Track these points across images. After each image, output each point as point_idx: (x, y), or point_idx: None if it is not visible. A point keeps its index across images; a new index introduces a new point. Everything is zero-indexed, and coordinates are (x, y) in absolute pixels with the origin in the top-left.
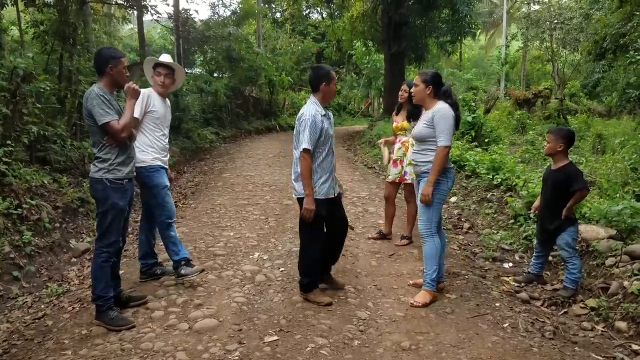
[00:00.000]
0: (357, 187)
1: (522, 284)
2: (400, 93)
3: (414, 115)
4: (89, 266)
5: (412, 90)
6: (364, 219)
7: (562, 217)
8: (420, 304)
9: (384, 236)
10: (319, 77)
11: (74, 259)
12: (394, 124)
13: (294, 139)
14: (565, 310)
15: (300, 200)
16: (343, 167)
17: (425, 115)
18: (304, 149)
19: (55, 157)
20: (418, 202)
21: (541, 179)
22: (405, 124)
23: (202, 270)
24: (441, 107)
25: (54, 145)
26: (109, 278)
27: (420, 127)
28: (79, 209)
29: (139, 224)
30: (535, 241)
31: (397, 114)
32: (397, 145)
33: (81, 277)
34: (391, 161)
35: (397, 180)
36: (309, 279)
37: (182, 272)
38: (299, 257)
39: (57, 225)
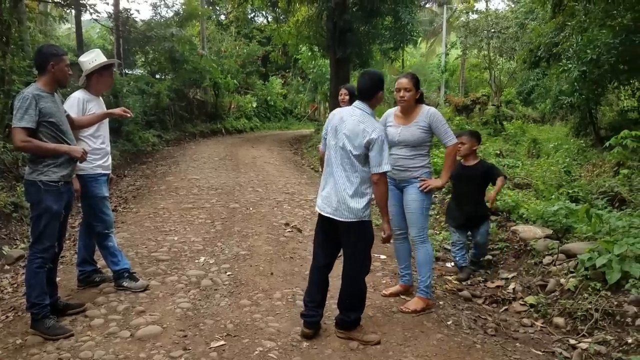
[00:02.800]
0: (304, 190)
1: (467, 280)
2: (340, 97)
3: None
4: (23, 273)
5: (403, 94)
6: (312, 222)
7: (491, 203)
8: (410, 310)
9: None
10: (375, 86)
11: (7, 267)
12: None
13: (350, 156)
14: (506, 307)
15: (354, 225)
16: (290, 171)
17: (418, 120)
18: (384, 172)
19: None
20: (415, 207)
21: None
22: None
23: (147, 288)
24: (435, 111)
25: None
26: (44, 285)
27: (414, 131)
28: (12, 214)
29: (77, 229)
30: (453, 236)
31: None
32: None
33: (15, 285)
34: None
35: None
36: (358, 314)
37: (125, 284)
38: (347, 291)
39: None
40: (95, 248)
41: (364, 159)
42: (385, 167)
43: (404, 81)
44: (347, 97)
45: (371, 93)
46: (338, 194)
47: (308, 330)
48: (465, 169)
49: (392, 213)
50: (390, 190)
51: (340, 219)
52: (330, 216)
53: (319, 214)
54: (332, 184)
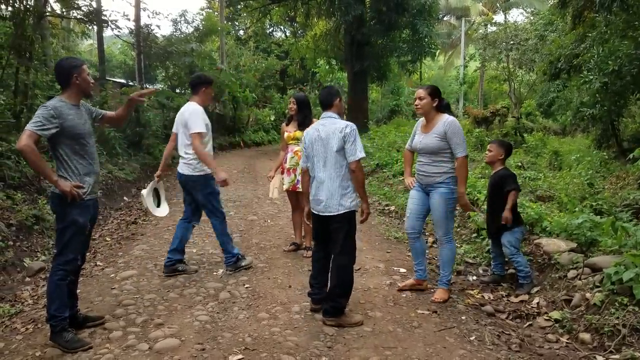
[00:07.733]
0: None
1: (488, 284)
2: (289, 106)
3: (303, 125)
4: (43, 285)
5: (417, 103)
6: None
7: (502, 220)
8: (441, 300)
9: (298, 247)
10: (332, 94)
11: (27, 279)
12: (286, 134)
13: (334, 155)
14: (530, 322)
15: (345, 216)
16: None
17: (436, 129)
18: (361, 159)
19: (9, 173)
20: (440, 211)
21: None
22: (298, 133)
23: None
24: (453, 120)
25: (8, 161)
26: (64, 297)
27: (432, 139)
28: (33, 226)
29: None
30: (490, 243)
31: (287, 125)
32: (289, 155)
33: (35, 297)
34: (285, 170)
35: (290, 189)
36: (347, 300)
37: (243, 264)
38: (340, 278)
39: (11, 243)
40: (187, 241)
41: (344, 154)
42: (360, 155)
43: (419, 91)
44: (294, 106)
45: (329, 102)
46: (327, 192)
47: (316, 306)
48: (490, 178)
49: (410, 211)
50: (416, 191)
51: (332, 214)
52: (323, 214)
53: (314, 214)
54: (319, 185)
